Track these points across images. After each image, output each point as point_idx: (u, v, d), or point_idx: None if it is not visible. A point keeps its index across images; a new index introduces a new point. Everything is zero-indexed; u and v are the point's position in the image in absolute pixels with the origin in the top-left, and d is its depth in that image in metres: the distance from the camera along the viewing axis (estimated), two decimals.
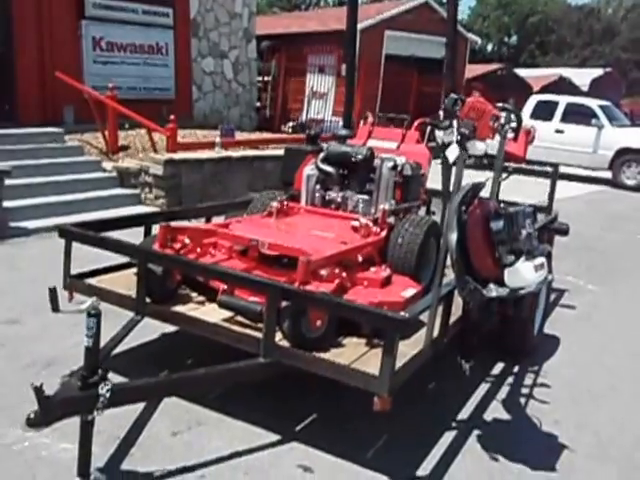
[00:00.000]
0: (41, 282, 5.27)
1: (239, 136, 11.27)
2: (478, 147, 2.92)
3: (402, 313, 2.85)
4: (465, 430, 3.60)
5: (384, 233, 4.00)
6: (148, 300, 3.62)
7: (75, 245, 3.86)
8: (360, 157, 4.27)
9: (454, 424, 3.67)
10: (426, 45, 18.92)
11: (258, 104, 16.27)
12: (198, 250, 3.84)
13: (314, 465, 3.15)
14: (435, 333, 3.28)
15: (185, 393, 3.34)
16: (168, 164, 8.48)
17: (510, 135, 3.66)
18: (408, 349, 3.19)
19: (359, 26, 18.06)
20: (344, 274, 3.47)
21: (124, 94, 11.82)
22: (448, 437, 3.51)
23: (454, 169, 3.11)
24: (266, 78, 17.40)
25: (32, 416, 2.55)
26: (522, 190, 6.10)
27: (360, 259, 3.69)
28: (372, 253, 3.86)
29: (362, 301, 3.35)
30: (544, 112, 15.49)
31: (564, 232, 5.82)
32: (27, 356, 4.10)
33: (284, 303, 3.12)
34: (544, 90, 24.43)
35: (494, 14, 52.21)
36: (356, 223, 4.00)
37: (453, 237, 3.02)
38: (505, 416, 3.82)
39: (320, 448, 3.28)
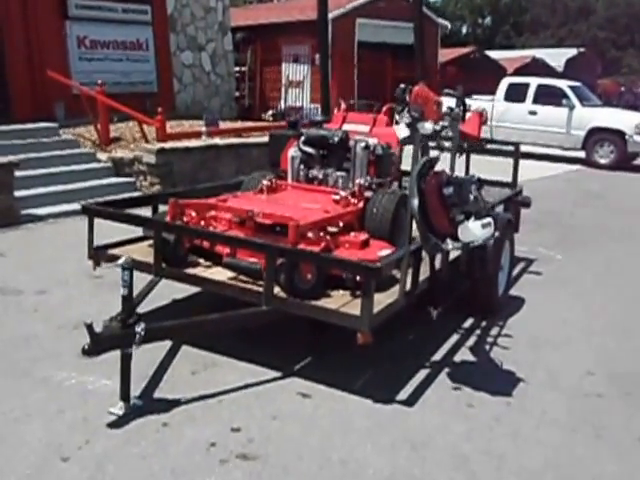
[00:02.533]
0: (60, 260, 6.03)
1: (222, 125, 11.90)
2: (427, 127, 3.62)
3: (376, 263, 3.57)
4: (437, 368, 4.28)
5: (361, 204, 4.70)
6: (164, 265, 4.32)
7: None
8: (336, 139, 4.97)
9: (428, 363, 4.36)
10: (399, 31, 19.56)
11: (237, 94, 16.88)
12: (202, 223, 4.53)
13: (312, 392, 3.85)
14: (407, 287, 3.99)
15: (204, 333, 4.03)
16: (160, 153, 9.12)
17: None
18: (384, 299, 3.91)
19: (330, 15, 18.71)
20: (328, 237, 4.18)
21: (110, 89, 12.33)
22: (423, 372, 4.21)
23: (416, 146, 3.82)
24: (242, 69, 17.96)
25: (86, 347, 3.24)
26: (500, 170, 6.78)
27: (341, 225, 4.39)
28: (352, 221, 4.56)
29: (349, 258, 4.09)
30: (516, 94, 15.81)
31: (527, 205, 6.61)
32: (59, 319, 4.76)
33: (279, 261, 3.83)
34: (518, 72, 25.09)
35: None
36: (337, 197, 4.70)
37: (415, 202, 3.73)
38: (471, 358, 4.49)
39: (316, 380, 3.97)
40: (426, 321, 4.34)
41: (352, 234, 4.41)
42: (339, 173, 5.02)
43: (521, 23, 51.39)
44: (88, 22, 12.17)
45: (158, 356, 4.13)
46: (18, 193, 8.10)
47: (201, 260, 4.49)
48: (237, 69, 17.94)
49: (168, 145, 9.43)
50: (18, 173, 8.33)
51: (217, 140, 10.27)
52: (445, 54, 25.82)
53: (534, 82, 16.06)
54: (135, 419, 3.46)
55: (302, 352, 4.37)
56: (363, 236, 4.39)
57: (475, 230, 3.70)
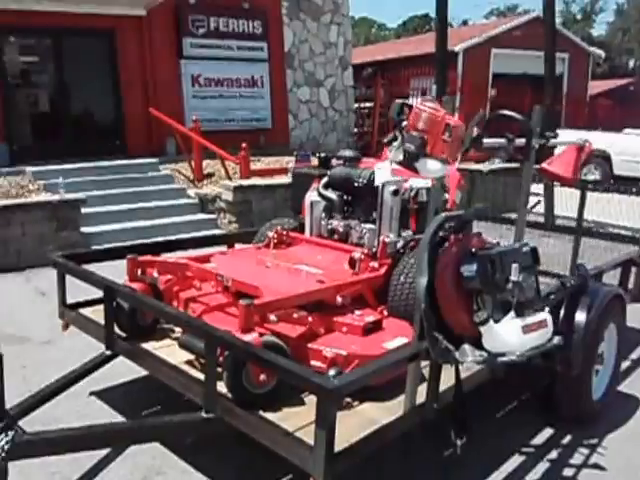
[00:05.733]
0: None
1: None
2: (430, 168, 2.26)
3: (332, 378, 2.25)
4: None
5: (383, 270, 3.40)
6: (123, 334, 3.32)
7: None
8: (363, 181, 3.68)
9: None
10: (540, 61, 17.55)
11: (355, 130, 15.87)
12: (183, 283, 3.49)
13: None
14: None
15: (105, 447, 2.95)
16: (237, 190, 8.36)
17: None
18: (382, 415, 2.58)
19: (462, 46, 17.26)
20: (310, 318, 2.93)
21: (222, 126, 12.08)
22: None
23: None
24: (368, 104, 16.96)
25: None
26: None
27: (339, 300, 3.10)
28: (363, 292, 3.28)
29: (330, 350, 2.81)
30: None
31: None
32: None
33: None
34: None
35: (636, 27, 47.51)
36: (355, 256, 3.44)
37: (422, 282, 2.40)
38: None
39: None
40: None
41: (357, 313, 3.11)
42: (367, 226, 3.71)
43: None
44: (202, 60, 11.84)
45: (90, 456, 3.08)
46: (99, 227, 7.79)
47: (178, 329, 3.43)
48: (363, 105, 16.99)
49: (247, 182, 8.64)
50: (108, 207, 8.29)
51: None
52: (598, 86, 23.07)
53: None
54: None
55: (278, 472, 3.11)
56: (370, 317, 3.08)
57: (507, 336, 2.28)
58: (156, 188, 9.33)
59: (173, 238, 6.25)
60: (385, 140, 2.46)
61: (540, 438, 3.51)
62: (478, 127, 2.70)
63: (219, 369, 2.66)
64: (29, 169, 8.86)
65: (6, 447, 2.34)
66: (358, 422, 2.54)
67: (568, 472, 3.21)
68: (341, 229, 3.78)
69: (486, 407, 3.76)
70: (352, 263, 3.40)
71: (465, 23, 40.41)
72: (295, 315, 2.96)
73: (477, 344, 2.35)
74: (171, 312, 2.97)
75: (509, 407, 3.87)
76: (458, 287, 2.37)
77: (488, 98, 17.64)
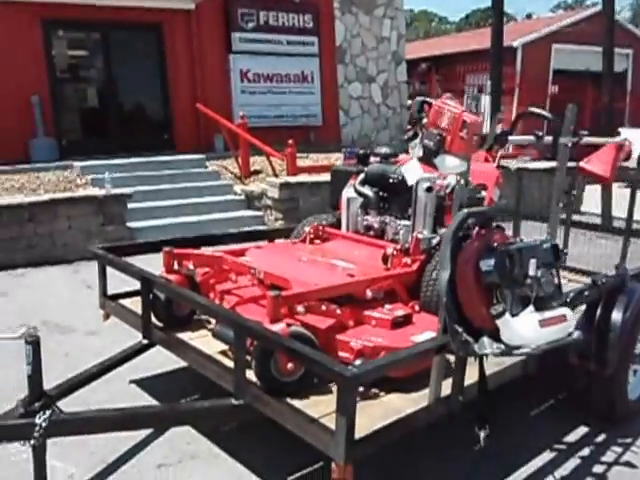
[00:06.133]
0: None
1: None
2: (449, 164, 2.37)
3: (351, 366, 2.38)
4: None
5: (416, 265, 3.50)
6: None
7: None
8: (398, 178, 3.79)
9: None
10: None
11: (409, 127, 15.87)
12: (221, 276, 3.67)
13: None
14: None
15: (137, 429, 3.14)
16: (284, 187, 8.55)
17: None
18: (408, 405, 2.70)
19: (521, 41, 17.05)
20: (338, 311, 3.06)
21: (271, 122, 12.33)
22: None
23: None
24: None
25: None
26: None
27: (369, 294, 3.22)
28: (395, 287, 3.38)
29: (358, 342, 2.94)
30: None
31: None
32: None
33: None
34: None
35: None
36: (388, 251, 3.56)
37: (444, 276, 2.51)
38: None
39: None
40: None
41: (387, 307, 3.23)
42: (401, 222, 3.82)
43: None
44: (252, 55, 12.14)
45: (133, 434, 3.32)
46: (145, 223, 8.13)
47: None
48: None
49: (294, 179, 8.82)
50: (154, 203, 8.64)
51: None
52: None
53: None
54: None
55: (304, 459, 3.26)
56: (400, 311, 3.19)
57: (523, 329, 2.36)
58: (202, 184, 9.64)
59: (214, 233, 6.49)
60: (405, 137, 2.56)
61: (574, 436, 3.58)
62: (502, 125, 2.77)
63: (248, 358, 2.83)
64: (77, 164, 9.31)
65: (44, 425, 2.56)
66: (383, 412, 2.66)
67: (598, 469, 3.27)
68: (376, 225, 3.90)
69: (521, 405, 3.86)
70: (385, 259, 3.52)
71: (529, 17, 39.60)
72: (323, 307, 3.09)
73: (496, 337, 2.43)
74: (203, 303, 3.15)
75: (545, 406, 3.92)
76: (477, 281, 2.48)
77: (548, 95, 17.36)
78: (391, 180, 3.85)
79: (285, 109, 12.69)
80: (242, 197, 9.41)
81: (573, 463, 3.31)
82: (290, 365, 2.77)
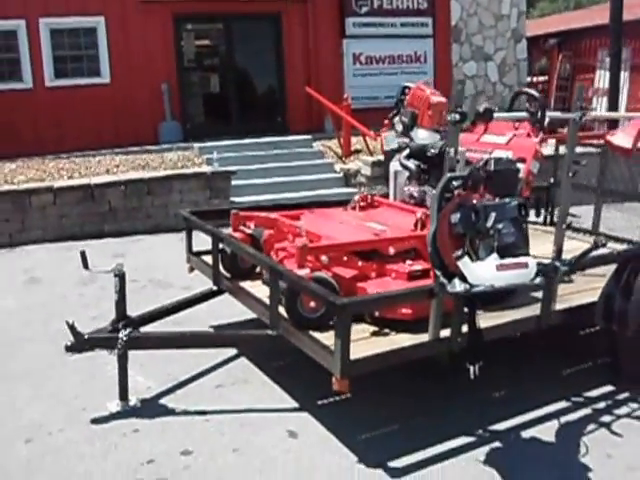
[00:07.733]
0: None
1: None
2: (420, 135, 2.93)
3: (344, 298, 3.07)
4: (478, 442, 3.47)
5: None
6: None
7: None
8: (434, 151, 4.34)
9: (472, 432, 3.54)
10: None
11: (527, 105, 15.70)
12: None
13: (304, 434, 3.51)
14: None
15: (196, 348, 3.98)
16: (375, 165, 9.21)
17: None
18: (411, 342, 3.34)
19: None
20: (360, 263, 3.74)
21: (381, 103, 12.89)
22: (454, 442, 3.45)
23: None
24: (542, 78, 16.66)
25: (68, 344, 3.53)
26: None
27: (391, 251, 3.85)
28: (418, 247, 3.97)
29: (374, 290, 3.60)
30: None
31: None
32: None
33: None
34: None
35: None
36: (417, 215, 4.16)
37: (431, 230, 3.10)
38: (552, 437, 3.49)
39: (323, 422, 3.62)
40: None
41: (408, 262, 3.85)
42: None
43: None
44: (365, 39, 12.79)
45: (202, 363, 4.25)
46: (249, 198, 9.08)
47: None
48: (536, 79, 16.74)
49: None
50: (260, 180, 9.59)
51: None
52: None
53: None
54: (120, 419, 3.65)
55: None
56: (418, 266, 3.79)
57: (481, 270, 2.90)
58: (306, 163, 10.48)
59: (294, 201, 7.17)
60: (390, 115, 3.13)
61: (595, 392, 3.97)
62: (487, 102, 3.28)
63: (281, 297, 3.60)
64: (196, 145, 10.56)
65: (124, 339, 3.51)
66: (387, 344, 3.33)
67: (606, 418, 3.67)
68: (416, 195, 4.49)
69: (559, 366, 4.32)
70: (416, 223, 4.12)
71: None
72: (345, 258, 3.76)
73: (465, 279, 2.99)
74: (250, 252, 3.95)
75: (580, 367, 4.34)
76: (450, 232, 3.04)
77: None
78: (428, 154, 4.42)
79: (395, 90, 13.16)
80: (340, 175, 10.16)
81: (583, 412, 3.74)
82: (312, 304, 3.50)
